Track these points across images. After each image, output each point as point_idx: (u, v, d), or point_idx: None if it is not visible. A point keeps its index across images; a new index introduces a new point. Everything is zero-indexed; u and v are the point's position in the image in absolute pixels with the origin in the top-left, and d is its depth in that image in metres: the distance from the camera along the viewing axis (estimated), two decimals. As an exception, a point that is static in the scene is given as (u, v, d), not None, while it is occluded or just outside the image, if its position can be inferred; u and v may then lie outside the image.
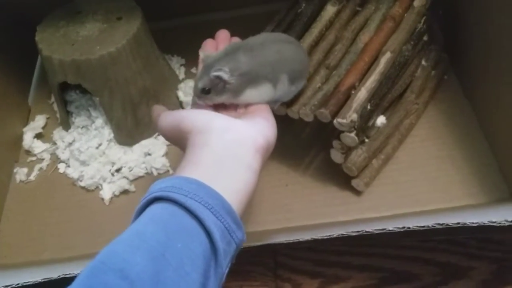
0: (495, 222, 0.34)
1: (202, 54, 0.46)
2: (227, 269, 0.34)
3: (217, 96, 0.44)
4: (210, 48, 0.48)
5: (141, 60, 0.58)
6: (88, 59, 0.54)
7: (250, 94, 0.44)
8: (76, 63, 0.54)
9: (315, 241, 0.45)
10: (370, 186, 0.54)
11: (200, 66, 0.46)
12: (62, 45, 0.56)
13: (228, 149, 0.37)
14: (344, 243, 0.52)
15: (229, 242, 0.34)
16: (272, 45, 0.46)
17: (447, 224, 0.36)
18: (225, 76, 0.42)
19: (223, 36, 0.50)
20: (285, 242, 0.44)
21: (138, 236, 0.31)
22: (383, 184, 0.54)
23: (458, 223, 0.35)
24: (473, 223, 0.35)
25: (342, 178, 0.53)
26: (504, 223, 0.34)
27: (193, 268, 0.30)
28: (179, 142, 0.41)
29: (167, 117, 0.42)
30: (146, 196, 0.34)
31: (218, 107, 0.45)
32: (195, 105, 0.46)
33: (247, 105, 0.45)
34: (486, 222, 0.35)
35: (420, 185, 0.53)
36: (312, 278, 0.51)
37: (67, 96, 0.64)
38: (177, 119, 0.41)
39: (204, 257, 0.31)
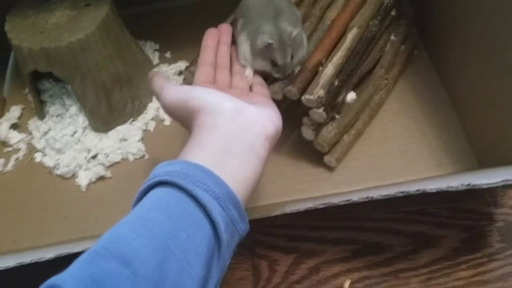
0: (452, 187, 0.35)
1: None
2: (229, 260, 0.33)
3: (296, 56, 0.47)
4: (212, 38, 0.50)
5: (112, 46, 0.58)
6: (57, 46, 0.54)
7: (306, 42, 0.50)
8: (45, 51, 0.54)
9: (289, 217, 0.46)
10: (342, 161, 0.55)
11: (208, 53, 0.48)
12: (31, 33, 0.56)
13: (238, 135, 0.36)
14: (317, 218, 0.53)
15: (232, 233, 0.33)
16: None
17: (408, 192, 0.37)
18: (297, 33, 0.46)
19: (226, 30, 0.52)
20: (257, 218, 0.45)
21: (142, 222, 0.30)
22: (355, 159, 0.55)
23: (418, 190, 0.36)
24: (432, 189, 0.36)
25: (315, 156, 0.54)
26: (462, 187, 0.35)
27: (196, 260, 0.29)
28: (184, 119, 0.40)
29: (175, 92, 0.40)
30: (151, 178, 0.33)
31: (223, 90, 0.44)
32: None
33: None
34: (444, 187, 0.35)
35: (391, 158, 0.54)
36: (287, 253, 0.52)
37: (40, 85, 0.64)
38: (186, 96, 0.39)
39: (208, 249, 0.30)
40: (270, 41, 0.44)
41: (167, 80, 0.43)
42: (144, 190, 0.33)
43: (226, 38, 0.51)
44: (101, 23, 0.56)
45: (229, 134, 0.36)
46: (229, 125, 0.36)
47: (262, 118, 0.38)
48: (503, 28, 0.44)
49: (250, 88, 0.48)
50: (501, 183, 0.34)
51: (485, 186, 0.33)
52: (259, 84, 0.48)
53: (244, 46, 0.48)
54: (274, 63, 0.47)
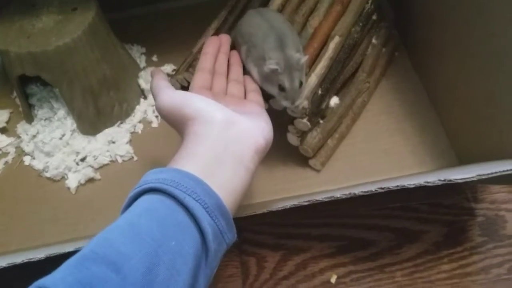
0: (429, 182, 0.37)
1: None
2: (216, 269, 0.34)
3: (304, 83, 0.47)
4: (213, 46, 0.50)
5: (99, 50, 0.58)
6: (44, 50, 0.55)
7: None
8: (32, 55, 0.55)
9: (276, 215, 0.47)
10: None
11: (207, 59, 0.49)
12: (18, 38, 0.56)
13: (229, 146, 0.37)
14: (303, 216, 0.55)
15: (220, 243, 0.33)
16: (273, 18, 0.50)
17: (388, 188, 0.38)
18: (303, 57, 0.46)
19: (226, 39, 0.52)
20: (244, 216, 0.46)
21: (132, 228, 0.30)
22: (340, 158, 0.57)
23: (397, 186, 0.38)
24: (410, 184, 0.37)
25: (301, 156, 0.56)
26: (438, 183, 0.36)
27: (184, 268, 0.30)
28: (177, 124, 0.41)
29: (170, 97, 0.40)
30: (141, 184, 0.33)
31: (218, 96, 0.45)
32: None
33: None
34: (422, 183, 0.37)
35: (373, 157, 0.56)
36: (275, 251, 0.53)
37: (28, 89, 0.64)
38: (181, 103, 0.39)
39: (195, 257, 0.31)
40: (275, 66, 0.45)
41: (166, 83, 0.44)
42: (134, 196, 0.34)
43: (226, 47, 0.52)
44: (88, 27, 0.56)
45: (220, 145, 0.36)
46: (221, 136, 0.37)
47: (254, 132, 0.39)
48: (478, 29, 0.46)
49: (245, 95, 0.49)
50: (476, 178, 0.35)
51: (460, 181, 0.35)
52: (254, 91, 0.48)
53: (254, 73, 0.49)
54: (281, 88, 0.46)
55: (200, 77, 0.47)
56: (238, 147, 0.37)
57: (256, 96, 0.48)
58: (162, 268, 0.29)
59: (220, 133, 0.37)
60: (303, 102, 0.49)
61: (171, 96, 0.41)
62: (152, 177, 0.33)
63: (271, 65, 0.45)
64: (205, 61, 0.48)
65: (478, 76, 0.48)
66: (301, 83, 0.46)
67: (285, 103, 0.47)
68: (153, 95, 0.44)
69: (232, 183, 0.36)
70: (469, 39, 0.48)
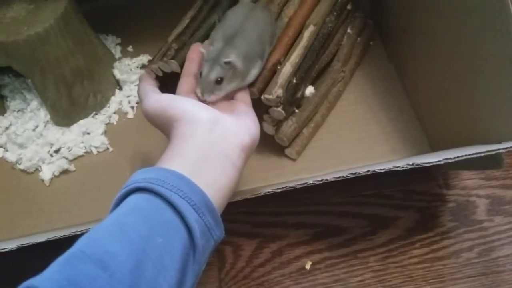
0: (399, 166, 0.37)
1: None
2: (204, 265, 0.35)
3: (228, 84, 0.44)
4: (197, 53, 0.49)
5: (72, 40, 0.58)
6: (15, 40, 0.54)
7: (253, 74, 0.47)
8: (3, 45, 0.54)
9: (252, 203, 0.47)
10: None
11: (192, 64, 0.47)
12: (-12, 28, 0.55)
13: (215, 145, 0.37)
14: (279, 204, 0.55)
15: (208, 240, 0.34)
16: (251, 19, 0.48)
17: (359, 173, 0.39)
18: (237, 62, 0.44)
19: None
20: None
21: (119, 227, 0.30)
22: (315, 147, 0.57)
23: (368, 171, 0.38)
24: (380, 169, 0.38)
25: (277, 145, 0.56)
26: (407, 167, 0.37)
27: (172, 264, 0.30)
28: (163, 127, 0.41)
29: (155, 101, 0.41)
30: (128, 184, 0.34)
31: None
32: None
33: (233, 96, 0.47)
34: (391, 167, 0.38)
35: (348, 146, 0.57)
36: (251, 239, 0.54)
37: (0, 80, 0.63)
38: (166, 105, 0.40)
39: (183, 253, 0.31)
40: (203, 50, 0.44)
41: (153, 87, 0.45)
42: (122, 196, 0.34)
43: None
44: (60, 16, 0.55)
45: (206, 144, 0.37)
46: (207, 136, 0.37)
47: (240, 130, 0.39)
48: (447, 17, 0.46)
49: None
50: (443, 161, 0.36)
51: (427, 165, 0.36)
52: (241, 91, 0.48)
53: None
54: (200, 74, 0.45)
55: (186, 82, 0.47)
56: (224, 146, 0.37)
57: (243, 95, 0.48)
58: (149, 265, 0.29)
59: (206, 133, 0.37)
60: (277, 90, 0.49)
61: (157, 99, 0.41)
62: (139, 177, 0.34)
63: (203, 47, 0.44)
64: (190, 67, 0.48)
65: (449, 63, 0.48)
66: (220, 80, 0.44)
67: (197, 90, 0.44)
68: (139, 99, 0.45)
69: (219, 181, 0.36)
70: (439, 27, 0.49)
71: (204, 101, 0.44)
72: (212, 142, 0.37)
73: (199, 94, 0.44)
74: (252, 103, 0.47)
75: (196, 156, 0.36)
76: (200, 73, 0.44)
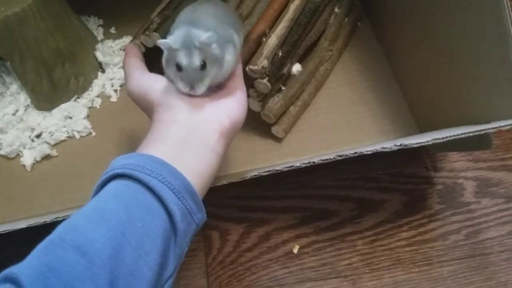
0: (386, 147, 0.37)
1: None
2: (186, 248, 0.34)
3: (211, 68, 0.38)
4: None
5: (51, 20, 0.56)
6: (-8, 21, 0.52)
7: (228, 60, 0.40)
8: (-21, 26, 0.52)
9: (238, 187, 0.47)
10: (290, 133, 0.56)
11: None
12: (-37, 8, 0.53)
13: (193, 130, 0.37)
14: (266, 188, 0.55)
15: (189, 223, 0.34)
16: (204, 7, 0.43)
17: (346, 155, 0.38)
18: (212, 38, 0.37)
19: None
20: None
21: (98, 213, 0.31)
22: (302, 130, 0.56)
23: (355, 153, 0.38)
24: (368, 151, 0.37)
25: (264, 128, 0.55)
26: (395, 148, 0.36)
27: (153, 248, 0.30)
28: (145, 110, 0.41)
29: (137, 82, 0.41)
30: (108, 171, 0.34)
31: None
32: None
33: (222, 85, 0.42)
34: (379, 149, 0.37)
35: (336, 128, 0.56)
36: (238, 223, 0.53)
37: (-23, 63, 0.61)
38: (146, 89, 0.40)
39: (163, 237, 0.31)
40: (167, 42, 0.37)
41: (138, 63, 0.43)
42: (101, 183, 0.34)
43: None
44: (39, -4, 0.54)
45: (185, 130, 0.37)
46: (186, 121, 0.37)
47: (219, 114, 0.38)
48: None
49: None
50: (431, 142, 0.36)
51: (415, 145, 0.35)
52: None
53: (163, 60, 0.41)
54: (179, 67, 0.37)
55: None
56: (202, 131, 0.37)
57: (234, 79, 0.44)
58: (129, 250, 0.29)
59: (185, 118, 0.37)
60: (263, 61, 0.48)
61: (139, 81, 0.41)
62: (118, 163, 0.34)
63: (162, 42, 0.37)
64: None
65: (438, 44, 0.48)
66: (204, 65, 0.37)
67: (181, 86, 0.38)
68: (124, 75, 0.44)
69: (199, 166, 0.36)
70: (427, 8, 0.48)
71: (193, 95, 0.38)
72: (190, 128, 0.37)
73: (187, 90, 0.38)
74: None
75: (175, 142, 0.36)
76: (177, 66, 0.37)
